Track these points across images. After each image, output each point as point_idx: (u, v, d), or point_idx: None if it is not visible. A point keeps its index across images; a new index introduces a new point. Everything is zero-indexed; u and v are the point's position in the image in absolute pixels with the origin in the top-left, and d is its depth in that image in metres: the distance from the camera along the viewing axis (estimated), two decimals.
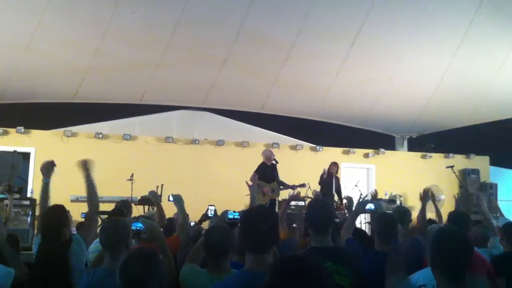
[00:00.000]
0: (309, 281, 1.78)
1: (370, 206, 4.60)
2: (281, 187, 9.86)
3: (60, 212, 4.24)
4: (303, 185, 10.03)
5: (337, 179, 11.20)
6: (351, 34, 11.23)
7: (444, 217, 5.49)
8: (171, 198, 4.50)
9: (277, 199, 10.00)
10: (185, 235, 4.16)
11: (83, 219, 5.98)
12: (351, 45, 11.44)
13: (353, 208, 4.51)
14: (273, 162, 9.99)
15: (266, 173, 9.87)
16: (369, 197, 5.21)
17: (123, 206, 5.57)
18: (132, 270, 2.42)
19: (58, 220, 4.15)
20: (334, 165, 11.16)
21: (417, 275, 3.15)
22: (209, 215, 4.81)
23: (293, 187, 9.92)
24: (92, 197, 4.35)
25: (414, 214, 5.28)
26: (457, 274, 2.52)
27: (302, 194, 10.48)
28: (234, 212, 4.05)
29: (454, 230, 2.68)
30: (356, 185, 11.79)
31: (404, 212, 5.14)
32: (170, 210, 6.19)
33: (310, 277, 1.79)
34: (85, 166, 4.37)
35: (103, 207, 8.97)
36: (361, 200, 4.44)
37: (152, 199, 5.62)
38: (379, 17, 10.81)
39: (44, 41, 10.46)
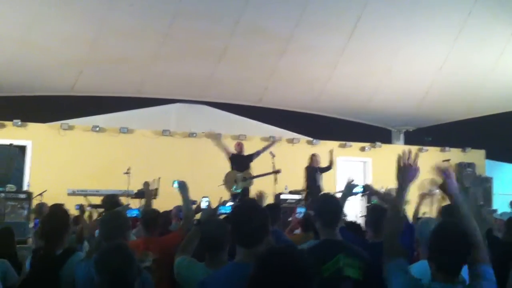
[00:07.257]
0: (294, 273, 1.77)
1: (358, 189, 4.52)
2: (254, 175, 9.71)
3: (63, 215, 3.82)
4: (277, 171, 9.78)
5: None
6: (348, 26, 11.22)
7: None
8: (175, 184, 4.21)
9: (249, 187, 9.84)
10: (191, 226, 3.92)
11: (77, 212, 5.94)
12: (348, 38, 11.43)
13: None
14: (239, 151, 9.88)
15: (236, 162, 9.80)
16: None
17: (107, 201, 5.39)
18: (114, 262, 2.49)
19: (61, 224, 3.67)
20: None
21: (411, 269, 3.13)
22: (203, 206, 4.72)
23: (265, 174, 9.66)
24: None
25: (409, 208, 5.20)
26: (454, 268, 2.53)
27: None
28: (226, 206, 4.01)
29: (455, 224, 2.67)
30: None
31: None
32: (170, 203, 6.19)
33: (295, 269, 1.78)
34: None
35: (98, 200, 8.98)
36: (348, 183, 4.32)
37: (144, 190, 5.48)
38: (376, 9, 10.81)
39: (40, 34, 10.41)
